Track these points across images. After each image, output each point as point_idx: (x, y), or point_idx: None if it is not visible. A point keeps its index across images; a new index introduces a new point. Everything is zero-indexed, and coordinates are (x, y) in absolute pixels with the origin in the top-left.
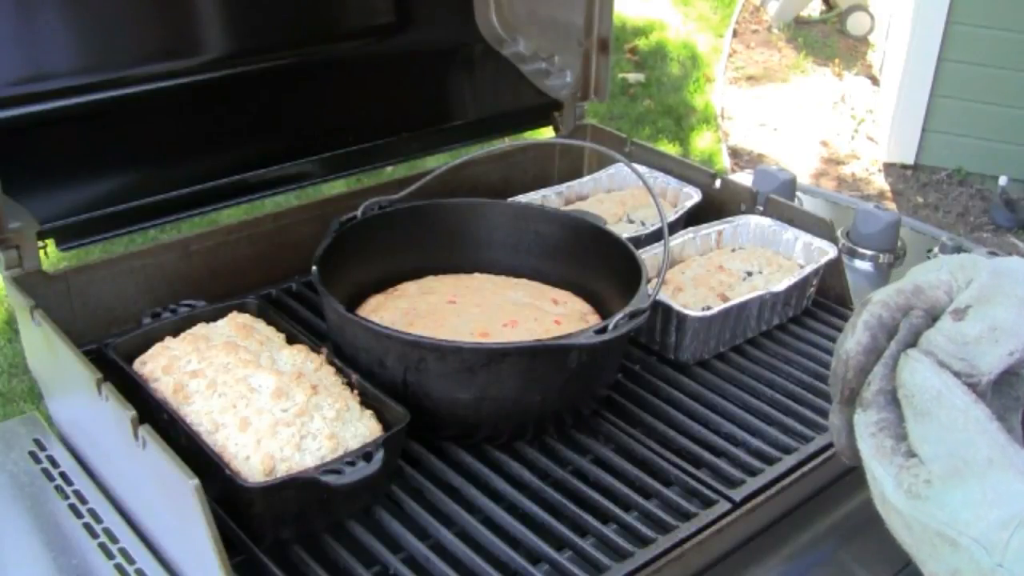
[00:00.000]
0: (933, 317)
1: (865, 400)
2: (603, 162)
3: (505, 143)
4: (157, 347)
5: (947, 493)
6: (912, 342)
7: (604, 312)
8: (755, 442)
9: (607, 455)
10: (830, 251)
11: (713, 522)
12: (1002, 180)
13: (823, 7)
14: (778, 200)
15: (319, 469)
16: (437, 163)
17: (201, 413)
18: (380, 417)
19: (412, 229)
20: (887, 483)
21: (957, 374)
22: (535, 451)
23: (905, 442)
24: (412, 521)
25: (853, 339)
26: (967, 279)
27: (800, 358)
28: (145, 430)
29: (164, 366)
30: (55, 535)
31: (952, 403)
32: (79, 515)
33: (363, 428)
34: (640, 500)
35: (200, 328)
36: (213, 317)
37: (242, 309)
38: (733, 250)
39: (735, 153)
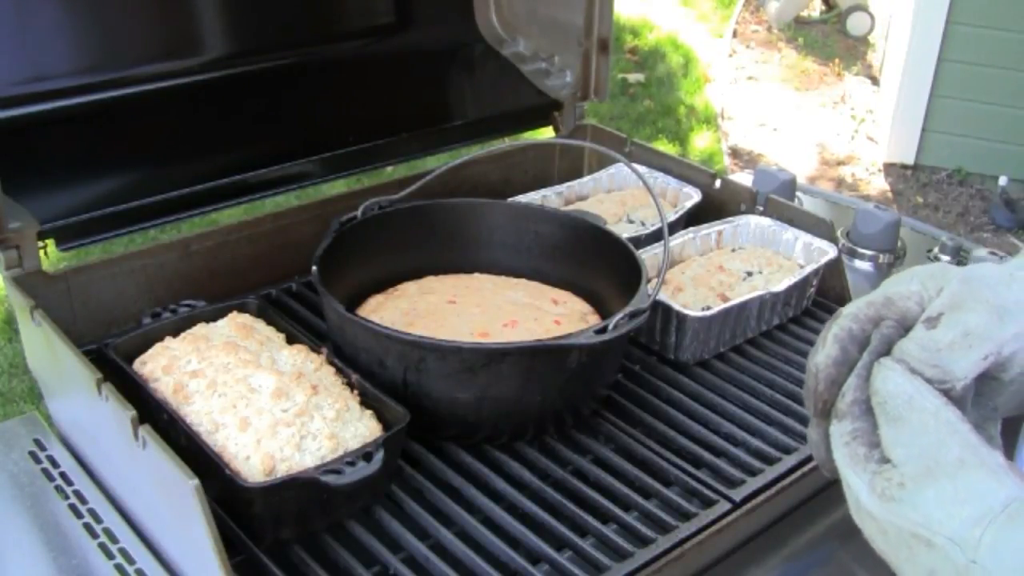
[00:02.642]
0: (905, 327)
1: (840, 411)
2: (603, 162)
3: (505, 143)
4: (157, 347)
5: (919, 493)
6: (884, 351)
7: (604, 312)
8: (755, 442)
9: (607, 455)
10: (830, 251)
11: (713, 522)
12: (1002, 180)
13: (823, 7)
14: (778, 200)
15: (319, 469)
16: (437, 163)
17: (201, 413)
18: (380, 417)
19: (412, 229)
20: (861, 489)
21: (930, 381)
22: (535, 451)
23: (878, 449)
24: (412, 521)
25: (823, 352)
26: (938, 288)
27: (800, 358)
28: (145, 430)
29: (164, 366)
30: (55, 535)
31: (923, 406)
32: (79, 515)
33: (363, 428)
34: (640, 500)
35: (200, 328)
36: (213, 317)
37: (242, 309)
38: (733, 250)
39: (735, 153)
